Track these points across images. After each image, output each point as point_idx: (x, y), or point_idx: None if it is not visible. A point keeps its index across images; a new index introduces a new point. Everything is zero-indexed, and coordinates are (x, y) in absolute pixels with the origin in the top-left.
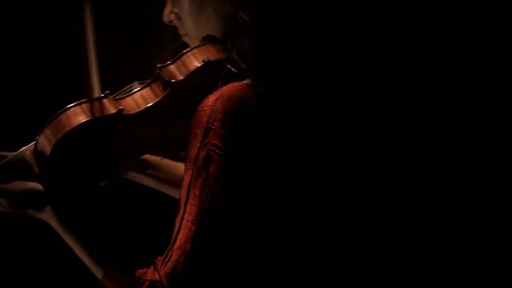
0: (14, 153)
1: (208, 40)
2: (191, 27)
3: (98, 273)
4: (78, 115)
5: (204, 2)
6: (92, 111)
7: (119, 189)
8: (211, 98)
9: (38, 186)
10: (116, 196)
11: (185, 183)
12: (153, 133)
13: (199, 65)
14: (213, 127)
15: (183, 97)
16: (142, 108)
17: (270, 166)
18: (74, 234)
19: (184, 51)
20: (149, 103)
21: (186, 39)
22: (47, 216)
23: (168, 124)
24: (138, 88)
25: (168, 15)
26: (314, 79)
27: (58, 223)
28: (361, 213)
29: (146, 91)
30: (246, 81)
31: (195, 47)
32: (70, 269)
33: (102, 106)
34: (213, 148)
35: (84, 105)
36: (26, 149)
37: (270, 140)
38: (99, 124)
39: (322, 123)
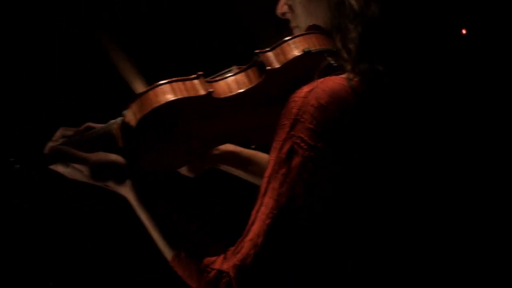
0: (102, 125)
1: (312, 29)
2: (301, 18)
3: (168, 254)
4: (166, 93)
5: None
6: (181, 91)
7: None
8: (305, 89)
9: (120, 159)
10: (198, 184)
11: (266, 174)
12: (242, 120)
13: (298, 54)
14: (302, 119)
15: (278, 86)
16: (234, 93)
17: (362, 169)
18: (150, 212)
19: (286, 38)
20: (241, 89)
21: (296, 32)
22: (126, 190)
23: (259, 113)
24: (234, 73)
25: (282, 7)
26: (420, 77)
27: (137, 199)
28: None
29: (241, 76)
30: (344, 76)
31: (297, 36)
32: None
33: (192, 87)
34: (299, 142)
35: (174, 84)
36: (114, 122)
37: (364, 142)
38: (187, 104)
39: (418, 125)
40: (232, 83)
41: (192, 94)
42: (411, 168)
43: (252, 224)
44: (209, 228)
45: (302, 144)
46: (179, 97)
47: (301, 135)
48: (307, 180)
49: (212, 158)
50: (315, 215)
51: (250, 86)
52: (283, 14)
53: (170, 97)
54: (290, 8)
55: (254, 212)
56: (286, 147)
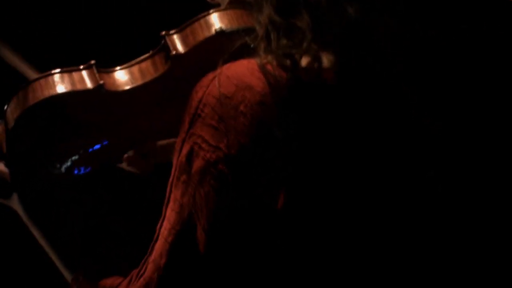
0: None
1: (233, 4)
2: None
3: (67, 275)
4: (49, 87)
5: None
6: (66, 84)
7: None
8: (209, 76)
9: (2, 168)
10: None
11: (169, 183)
12: (163, 115)
13: (209, 35)
14: (202, 114)
15: (194, 74)
16: (134, 85)
17: (279, 173)
18: (41, 229)
19: (199, 16)
20: (145, 79)
21: None
22: (15, 204)
23: (173, 108)
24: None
25: None
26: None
27: (25, 214)
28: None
29: (146, 64)
30: (257, 58)
31: (211, 12)
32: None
33: (80, 79)
34: (199, 142)
35: (58, 76)
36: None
37: (283, 142)
38: (76, 99)
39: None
40: (135, 72)
41: (78, 87)
42: (337, 173)
43: (156, 241)
44: (111, 244)
45: (203, 145)
46: (58, 92)
47: (201, 133)
48: (211, 191)
49: (159, 152)
50: (223, 230)
51: (155, 76)
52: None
53: (50, 92)
54: None
55: (158, 226)
56: (186, 149)
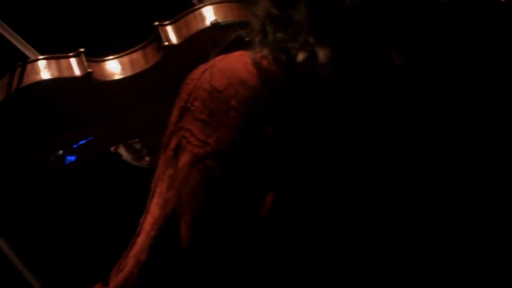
0: None
1: None
2: None
3: (35, 284)
4: (35, 72)
5: None
6: (53, 70)
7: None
8: (201, 68)
9: None
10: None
11: (155, 176)
12: (147, 112)
13: (203, 27)
14: (192, 107)
15: (183, 69)
16: (124, 75)
17: (271, 171)
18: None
19: (194, 8)
20: (135, 70)
21: None
22: None
23: (166, 103)
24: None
25: None
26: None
27: None
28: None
29: (137, 55)
30: (252, 52)
31: (206, 5)
32: None
33: (68, 66)
34: (187, 136)
35: (45, 62)
36: None
37: (276, 140)
38: (63, 86)
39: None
40: (125, 63)
41: (65, 74)
42: (332, 175)
43: (138, 235)
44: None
45: (192, 139)
46: (44, 78)
47: (190, 127)
48: (197, 184)
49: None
50: (209, 227)
51: (145, 67)
52: None
53: (36, 78)
54: None
55: (141, 220)
56: (174, 142)
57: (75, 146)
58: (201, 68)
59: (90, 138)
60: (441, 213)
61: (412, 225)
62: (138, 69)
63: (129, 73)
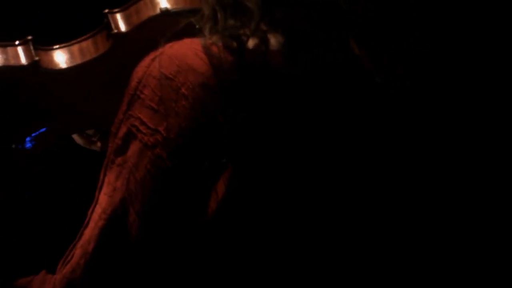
0: None
1: None
2: None
3: None
4: None
5: None
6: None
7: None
8: (151, 56)
9: None
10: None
11: (103, 165)
12: (99, 103)
13: (153, 14)
14: (142, 95)
15: (134, 57)
16: (72, 64)
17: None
18: None
19: None
20: (85, 59)
21: None
22: None
23: (118, 93)
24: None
25: None
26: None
27: None
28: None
29: (87, 43)
30: (205, 40)
31: None
32: None
33: (14, 54)
34: (137, 124)
35: None
36: None
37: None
38: (10, 76)
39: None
40: (74, 51)
41: (12, 62)
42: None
43: (86, 226)
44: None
45: (141, 127)
46: None
47: (139, 115)
48: (147, 176)
49: None
50: (158, 217)
51: (94, 56)
52: None
53: None
54: None
55: (89, 211)
56: (123, 130)
57: (28, 138)
58: (151, 55)
59: (43, 130)
60: (397, 200)
61: (360, 213)
62: (88, 57)
63: (78, 61)
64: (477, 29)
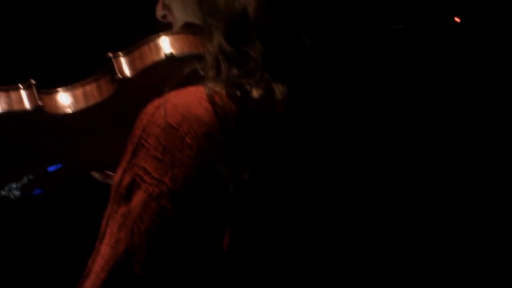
0: None
1: (185, 29)
2: (179, 17)
3: None
4: None
5: None
6: (2, 103)
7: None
8: (155, 103)
9: None
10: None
11: (106, 214)
12: (103, 146)
13: (158, 59)
14: (146, 144)
15: (138, 101)
16: (75, 109)
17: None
18: None
19: (149, 38)
20: (89, 103)
21: None
22: None
23: (122, 137)
24: (87, 80)
25: (160, 8)
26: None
27: None
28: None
29: (91, 87)
30: (209, 89)
31: (162, 36)
32: None
33: (18, 98)
34: (141, 174)
35: None
36: None
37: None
38: (12, 120)
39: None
40: (78, 95)
41: (16, 108)
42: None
43: (86, 277)
44: None
45: (146, 177)
46: None
47: (144, 165)
48: (153, 226)
49: None
50: (163, 268)
51: (98, 100)
52: (163, 16)
53: None
54: (168, 8)
55: (90, 261)
56: (127, 180)
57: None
58: (155, 102)
59: (52, 169)
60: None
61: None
62: (92, 101)
63: (82, 106)
64: (477, 29)
